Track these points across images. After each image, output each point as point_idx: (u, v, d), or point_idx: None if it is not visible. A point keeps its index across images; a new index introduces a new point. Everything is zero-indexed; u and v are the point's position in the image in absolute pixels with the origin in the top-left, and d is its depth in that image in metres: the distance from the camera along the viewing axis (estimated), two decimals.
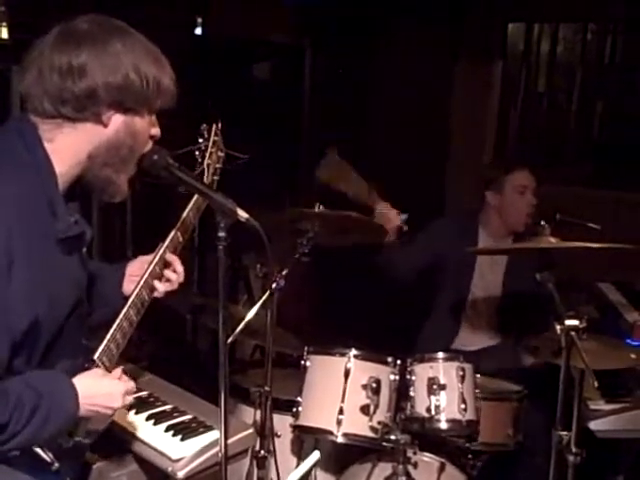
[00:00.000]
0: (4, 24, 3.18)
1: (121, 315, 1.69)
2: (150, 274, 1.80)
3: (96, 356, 1.61)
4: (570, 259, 2.67)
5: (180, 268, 1.89)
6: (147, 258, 1.89)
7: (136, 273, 1.88)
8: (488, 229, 3.28)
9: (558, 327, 2.26)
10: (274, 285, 2.29)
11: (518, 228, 3.20)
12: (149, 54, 1.55)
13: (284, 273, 2.33)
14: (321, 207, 2.56)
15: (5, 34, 3.18)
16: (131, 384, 1.66)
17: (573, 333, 2.25)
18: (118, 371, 1.64)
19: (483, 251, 3.29)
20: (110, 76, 1.48)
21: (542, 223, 2.48)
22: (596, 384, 2.20)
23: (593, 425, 2.57)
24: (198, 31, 4.48)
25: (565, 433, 2.34)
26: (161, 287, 1.85)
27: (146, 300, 1.78)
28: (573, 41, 4.89)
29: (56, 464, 1.55)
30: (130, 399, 1.67)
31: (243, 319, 2.36)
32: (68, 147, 1.52)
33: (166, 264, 1.86)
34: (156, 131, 1.64)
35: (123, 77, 1.49)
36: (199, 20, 4.47)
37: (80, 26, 1.50)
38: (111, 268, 1.96)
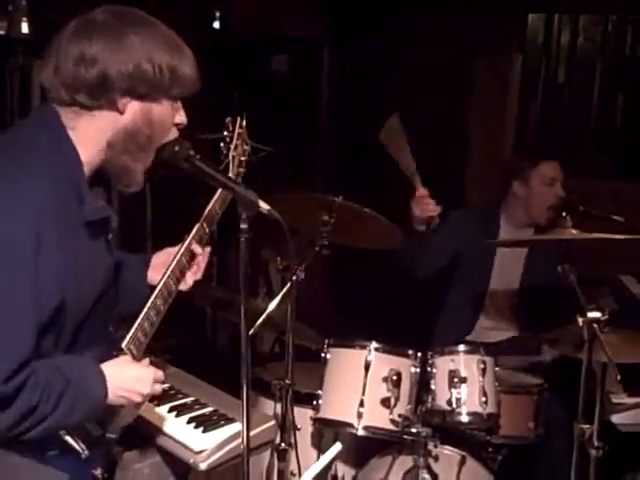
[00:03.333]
0: (25, 19, 3.21)
1: (148, 304, 1.70)
2: (177, 264, 1.82)
3: (124, 344, 1.62)
4: (592, 251, 2.65)
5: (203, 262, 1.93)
6: (173, 250, 1.91)
7: (162, 264, 1.89)
8: (510, 219, 3.25)
9: (580, 319, 2.25)
10: (294, 278, 2.29)
11: (540, 220, 3.17)
12: (165, 43, 1.54)
13: (304, 266, 2.33)
14: (340, 198, 2.55)
15: (26, 29, 3.21)
16: (159, 373, 1.68)
17: (595, 325, 2.24)
18: (146, 361, 1.66)
19: (503, 243, 3.27)
20: (122, 65, 1.49)
21: (564, 215, 2.46)
22: (619, 377, 2.18)
23: (615, 418, 2.56)
24: (216, 25, 4.48)
25: (587, 426, 2.32)
26: (189, 280, 1.89)
27: (173, 290, 1.80)
28: (593, 32, 4.84)
29: (86, 452, 1.57)
30: (159, 388, 1.68)
31: (263, 312, 2.37)
32: (89, 135, 1.54)
33: (192, 256, 1.88)
34: (181, 119, 1.64)
35: (135, 66, 1.49)
36: (217, 14, 4.47)
37: (96, 17, 1.51)
38: (136, 257, 1.98)
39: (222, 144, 2.01)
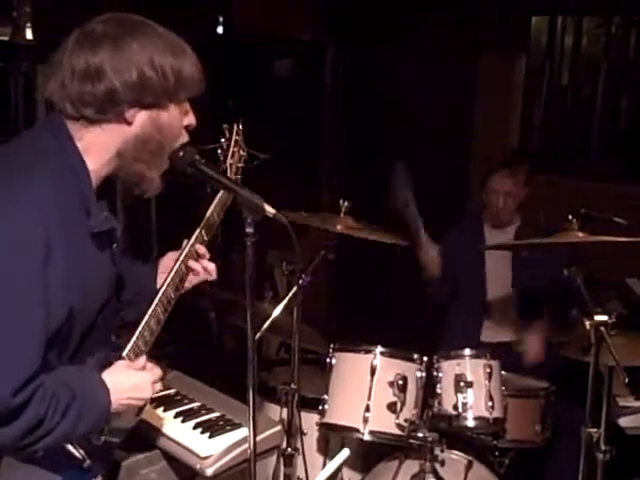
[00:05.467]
0: (28, 25, 3.21)
1: (148, 313, 1.70)
2: (176, 272, 1.82)
3: (124, 353, 1.62)
4: (597, 254, 2.64)
5: (211, 265, 1.90)
6: (176, 254, 1.90)
7: (168, 269, 1.88)
8: (488, 223, 3.35)
9: (587, 323, 2.24)
10: (300, 282, 2.29)
11: (494, 221, 3.31)
12: (166, 45, 1.53)
13: (309, 270, 2.33)
14: (346, 202, 2.55)
15: (30, 35, 3.21)
16: (157, 371, 1.67)
17: (602, 329, 2.23)
18: (142, 360, 1.64)
19: (499, 247, 3.29)
20: (126, 75, 1.48)
21: (570, 218, 2.45)
22: (626, 380, 2.17)
23: (623, 422, 2.55)
24: (219, 30, 4.49)
25: (594, 430, 2.31)
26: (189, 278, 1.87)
27: (172, 298, 1.79)
28: (597, 34, 4.84)
29: (88, 461, 1.57)
30: (159, 387, 1.67)
31: (269, 317, 2.36)
32: (97, 146, 1.54)
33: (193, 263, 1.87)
34: (189, 120, 1.63)
35: (139, 74, 1.49)
36: (220, 19, 4.48)
37: (95, 28, 1.50)
38: (146, 265, 1.97)
39: (219, 151, 2.00)
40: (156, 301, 1.74)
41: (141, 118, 1.54)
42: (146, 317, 1.70)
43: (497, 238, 3.29)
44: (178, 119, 1.60)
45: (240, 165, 2.05)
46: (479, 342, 3.18)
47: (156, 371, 1.67)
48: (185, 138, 1.64)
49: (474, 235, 3.33)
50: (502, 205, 3.24)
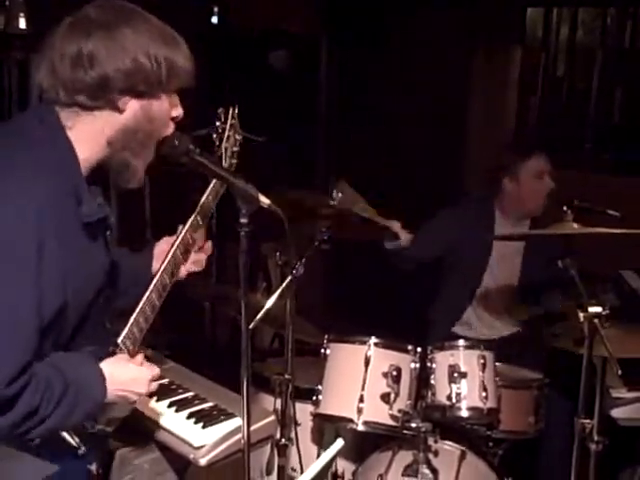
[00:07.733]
0: (22, 14, 3.19)
1: (144, 299, 1.70)
2: (172, 258, 1.82)
3: (120, 340, 1.62)
4: (592, 246, 2.64)
5: (200, 256, 1.93)
6: (172, 238, 1.90)
7: (163, 252, 1.89)
8: (505, 214, 3.23)
9: (581, 314, 2.25)
10: (293, 272, 2.29)
11: (536, 212, 3.17)
12: (160, 35, 1.54)
13: (303, 261, 2.33)
14: (339, 194, 2.55)
15: (23, 24, 3.19)
16: (156, 370, 1.68)
17: (596, 320, 2.24)
18: (140, 357, 1.66)
19: (503, 237, 3.26)
20: (119, 62, 1.48)
21: (565, 209, 2.45)
22: (619, 372, 2.18)
23: (615, 413, 2.56)
24: (214, 20, 4.47)
25: (587, 421, 2.32)
26: (186, 267, 1.90)
27: (167, 284, 1.80)
28: (593, 26, 4.84)
29: (83, 448, 1.58)
30: (155, 385, 1.69)
31: (262, 307, 2.36)
32: (88, 134, 1.53)
33: (186, 249, 1.88)
34: (177, 112, 1.63)
35: (132, 62, 1.49)
36: (215, 9, 4.46)
37: (89, 14, 1.50)
38: (142, 253, 1.97)
39: (214, 135, 1.99)
40: (151, 287, 1.74)
41: (133, 107, 1.54)
42: (141, 303, 1.70)
43: (509, 229, 3.21)
44: (167, 110, 1.60)
45: (235, 149, 2.05)
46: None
47: (155, 370, 1.68)
48: (171, 129, 1.64)
49: (483, 222, 3.22)
50: (552, 185, 3.10)
